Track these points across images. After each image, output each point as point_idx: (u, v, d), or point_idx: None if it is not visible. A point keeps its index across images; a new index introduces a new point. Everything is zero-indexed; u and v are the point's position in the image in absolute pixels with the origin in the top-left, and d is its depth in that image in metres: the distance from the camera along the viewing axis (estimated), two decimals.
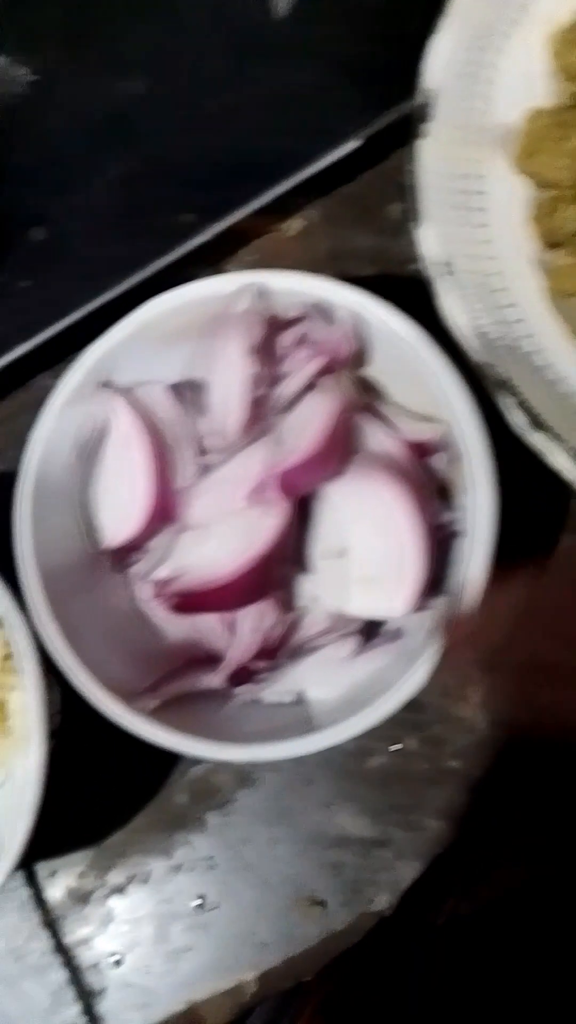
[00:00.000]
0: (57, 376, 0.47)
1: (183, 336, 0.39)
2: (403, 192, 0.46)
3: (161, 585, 0.36)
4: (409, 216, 0.45)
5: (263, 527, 0.35)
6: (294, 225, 0.46)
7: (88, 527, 0.40)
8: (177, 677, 0.38)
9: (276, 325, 0.38)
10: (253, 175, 0.45)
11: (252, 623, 0.36)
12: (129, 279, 0.46)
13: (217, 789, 0.43)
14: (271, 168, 0.45)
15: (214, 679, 0.37)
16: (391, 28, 0.45)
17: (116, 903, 0.43)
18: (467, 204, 0.39)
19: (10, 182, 0.47)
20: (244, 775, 0.43)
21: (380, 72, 0.45)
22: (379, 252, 0.46)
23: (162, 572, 0.37)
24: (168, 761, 0.43)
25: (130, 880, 0.43)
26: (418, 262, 0.45)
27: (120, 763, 0.43)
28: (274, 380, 0.38)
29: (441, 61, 0.39)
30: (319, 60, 0.45)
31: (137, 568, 0.40)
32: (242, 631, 0.36)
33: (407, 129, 0.45)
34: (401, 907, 0.41)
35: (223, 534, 0.36)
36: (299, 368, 0.37)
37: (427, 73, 0.39)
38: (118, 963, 0.43)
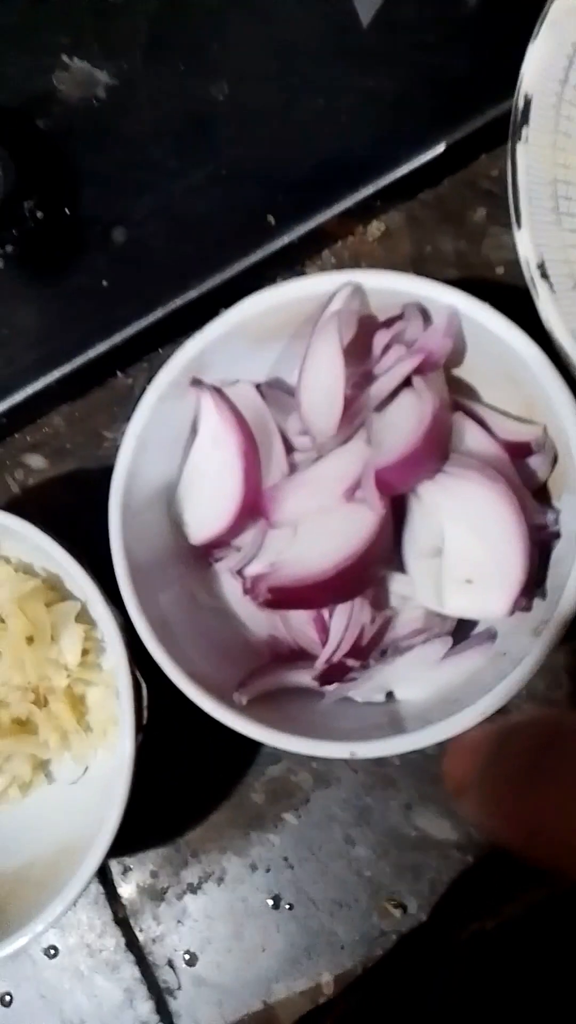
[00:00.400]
0: (133, 376, 0.48)
1: (274, 336, 0.40)
2: (486, 197, 0.46)
3: (255, 580, 0.36)
4: (494, 220, 0.46)
5: (360, 525, 0.35)
6: (376, 228, 0.46)
7: (174, 522, 0.40)
8: (268, 673, 0.38)
9: (371, 324, 0.38)
10: (336, 179, 0.46)
11: (346, 621, 0.36)
12: (209, 281, 0.46)
13: (295, 789, 0.43)
14: (354, 172, 0.46)
15: (305, 676, 0.37)
16: (475, 35, 0.45)
17: (190, 901, 0.43)
18: (561, 209, 0.39)
19: (92, 184, 0.48)
20: (322, 775, 0.43)
21: (464, 78, 0.45)
22: (461, 256, 0.46)
23: (255, 567, 0.37)
24: (245, 760, 0.43)
25: (205, 878, 0.43)
26: (502, 266, 0.46)
27: (195, 761, 0.43)
28: (368, 379, 0.38)
29: (538, 66, 0.39)
30: (404, 66, 0.46)
31: (223, 564, 0.40)
32: (336, 628, 0.36)
33: (491, 134, 0.45)
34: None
35: (319, 531, 0.36)
36: (394, 367, 0.37)
37: (525, 78, 0.39)
38: (191, 961, 0.42)
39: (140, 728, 0.37)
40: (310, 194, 0.46)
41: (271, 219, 0.46)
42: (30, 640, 0.40)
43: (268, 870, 0.42)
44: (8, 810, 0.42)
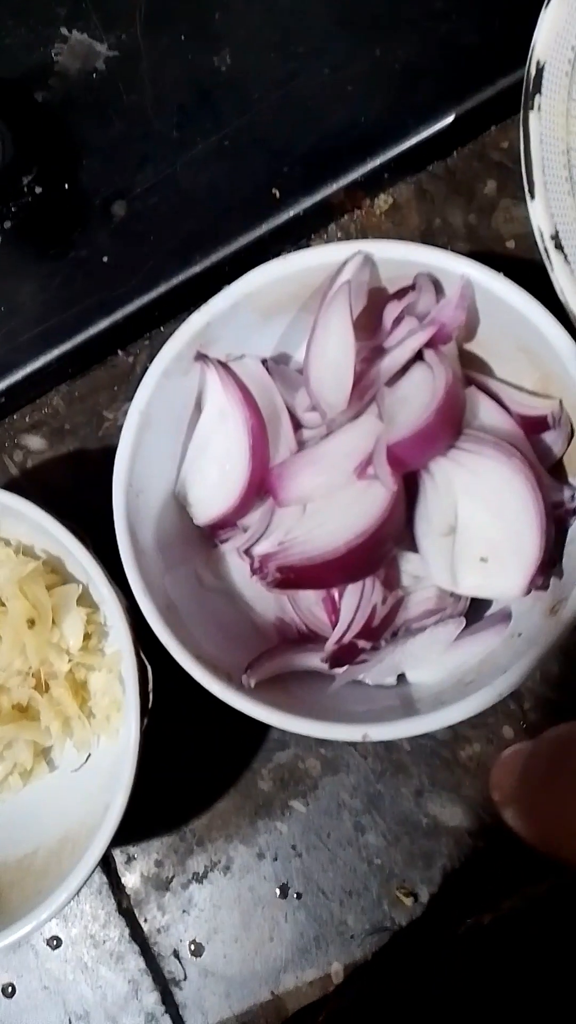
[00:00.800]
0: (134, 354, 0.47)
1: (281, 309, 0.38)
2: (496, 169, 0.45)
3: (263, 560, 0.35)
4: (505, 192, 0.45)
5: (372, 502, 0.34)
6: (384, 201, 0.45)
7: (178, 503, 0.39)
8: (276, 656, 0.37)
9: (381, 297, 0.37)
10: (343, 150, 0.45)
11: (357, 601, 0.35)
12: (212, 256, 0.45)
13: (303, 775, 0.42)
14: (361, 143, 0.44)
15: (314, 659, 0.36)
16: (485, 2, 0.44)
17: (196, 890, 0.42)
18: (575, 178, 0.38)
19: (92, 158, 0.46)
20: (330, 761, 0.42)
21: (474, 46, 0.44)
22: (471, 230, 0.45)
23: (263, 547, 0.36)
24: (251, 746, 0.42)
25: (211, 867, 0.42)
26: (513, 240, 0.44)
27: (201, 747, 0.42)
28: (378, 353, 0.36)
29: (551, 33, 0.38)
30: (412, 34, 0.44)
31: (229, 545, 0.39)
32: (346, 609, 0.35)
33: (501, 105, 0.44)
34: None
35: (329, 509, 0.35)
36: (405, 340, 0.36)
37: (537, 45, 0.38)
38: (198, 951, 0.41)
39: (145, 712, 0.36)
40: (316, 166, 0.45)
41: (276, 192, 0.45)
42: (31, 623, 0.39)
43: (276, 858, 0.41)
44: (10, 798, 0.41)
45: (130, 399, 0.46)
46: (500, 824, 0.35)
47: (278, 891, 0.41)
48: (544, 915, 0.39)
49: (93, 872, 0.36)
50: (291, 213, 0.45)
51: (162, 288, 0.45)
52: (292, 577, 0.34)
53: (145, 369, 0.46)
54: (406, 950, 0.40)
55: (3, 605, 0.40)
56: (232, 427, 0.37)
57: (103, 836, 0.35)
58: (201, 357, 0.38)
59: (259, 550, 0.36)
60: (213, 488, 0.38)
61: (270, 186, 0.45)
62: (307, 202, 0.45)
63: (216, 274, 0.45)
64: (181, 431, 0.39)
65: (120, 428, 0.46)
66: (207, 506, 0.38)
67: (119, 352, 0.47)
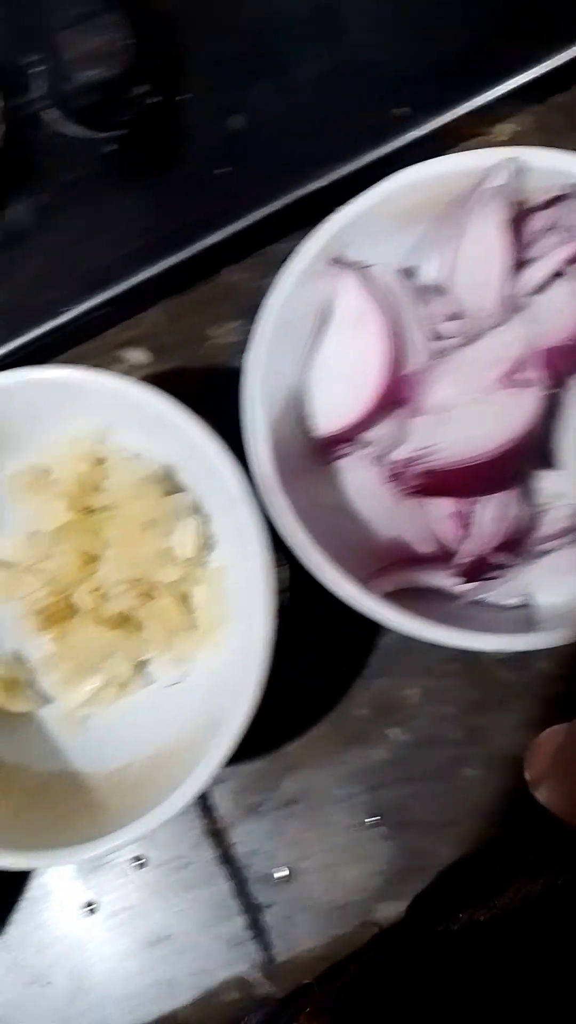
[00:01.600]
0: (239, 273, 0.46)
1: (416, 217, 0.38)
2: None
3: (403, 465, 0.34)
4: None
5: (521, 408, 0.33)
6: (504, 130, 0.45)
7: (297, 416, 0.38)
8: (401, 569, 0.36)
9: (526, 207, 0.36)
10: (467, 75, 0.44)
11: (495, 512, 0.34)
12: (327, 175, 0.44)
13: (402, 704, 0.41)
14: (487, 69, 0.44)
15: (441, 575, 0.35)
16: None
17: (287, 816, 0.41)
18: None
19: (207, 71, 0.45)
20: (430, 691, 0.41)
21: None
22: None
23: (402, 453, 0.35)
24: (349, 672, 0.41)
25: (303, 794, 0.41)
26: None
27: (296, 672, 0.41)
28: (521, 265, 0.36)
29: None
30: None
31: (349, 460, 0.38)
32: (483, 520, 0.34)
33: None
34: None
35: (474, 415, 0.34)
36: (550, 253, 0.35)
37: None
38: (286, 878, 0.40)
39: (279, 611, 0.34)
40: (438, 90, 0.44)
41: (395, 114, 0.44)
42: (144, 528, 0.38)
43: (369, 787, 0.41)
44: (101, 712, 0.40)
45: (234, 318, 0.45)
46: None
47: (370, 820, 0.40)
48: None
49: (202, 790, 0.34)
50: (409, 137, 0.44)
51: (274, 206, 0.44)
52: (432, 483, 0.34)
53: (252, 289, 0.45)
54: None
55: (110, 511, 0.39)
56: (366, 335, 0.36)
57: (220, 750, 0.34)
58: (337, 263, 0.37)
59: (398, 455, 0.35)
60: (340, 397, 0.37)
61: (388, 108, 0.44)
62: (427, 126, 0.44)
63: (329, 194, 0.44)
64: (302, 341, 0.38)
65: (223, 347, 0.45)
66: (332, 416, 0.37)
67: (222, 271, 0.46)
